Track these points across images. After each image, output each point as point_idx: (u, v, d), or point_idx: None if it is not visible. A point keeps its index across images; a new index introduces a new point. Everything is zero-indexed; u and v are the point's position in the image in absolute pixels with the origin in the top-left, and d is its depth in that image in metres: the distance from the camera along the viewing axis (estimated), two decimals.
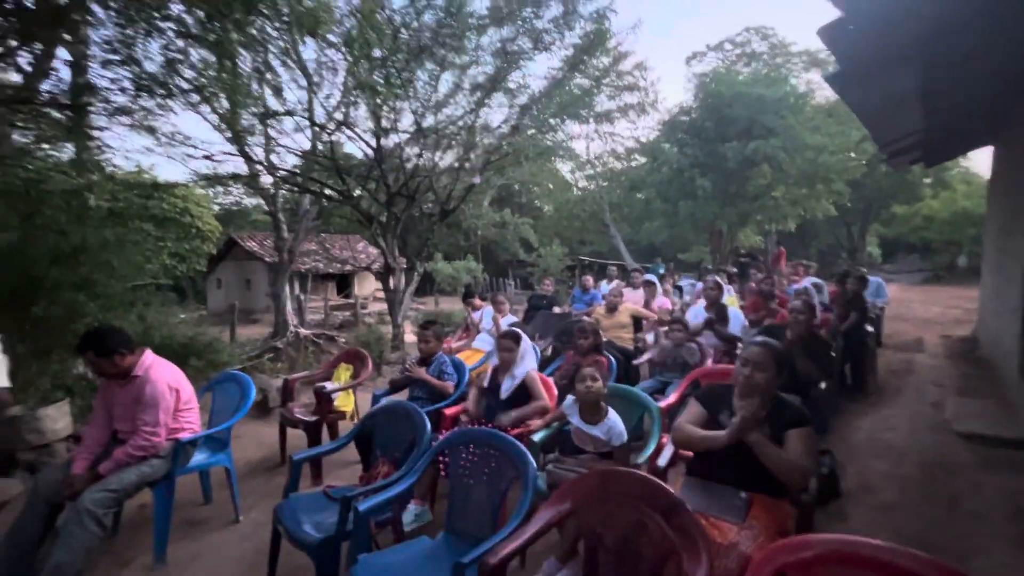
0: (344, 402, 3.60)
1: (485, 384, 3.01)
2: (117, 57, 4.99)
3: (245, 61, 4.73)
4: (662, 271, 11.96)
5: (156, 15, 4.12)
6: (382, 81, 5.85)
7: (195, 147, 7.05)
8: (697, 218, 15.53)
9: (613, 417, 2.43)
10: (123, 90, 4.69)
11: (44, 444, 3.50)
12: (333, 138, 7.13)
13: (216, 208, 23.48)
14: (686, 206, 15.31)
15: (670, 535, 1.46)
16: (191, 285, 21.70)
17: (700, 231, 17.24)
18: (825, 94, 17.59)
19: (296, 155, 8.39)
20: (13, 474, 3.31)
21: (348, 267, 20.34)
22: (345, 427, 3.63)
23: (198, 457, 2.78)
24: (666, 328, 4.75)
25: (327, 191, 7.90)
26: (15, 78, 5.54)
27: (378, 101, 5.75)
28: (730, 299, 5.85)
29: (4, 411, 2.67)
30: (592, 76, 8.39)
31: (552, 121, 7.90)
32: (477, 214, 17.85)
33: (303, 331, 11.71)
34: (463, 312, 7.54)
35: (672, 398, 3.18)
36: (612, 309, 5.05)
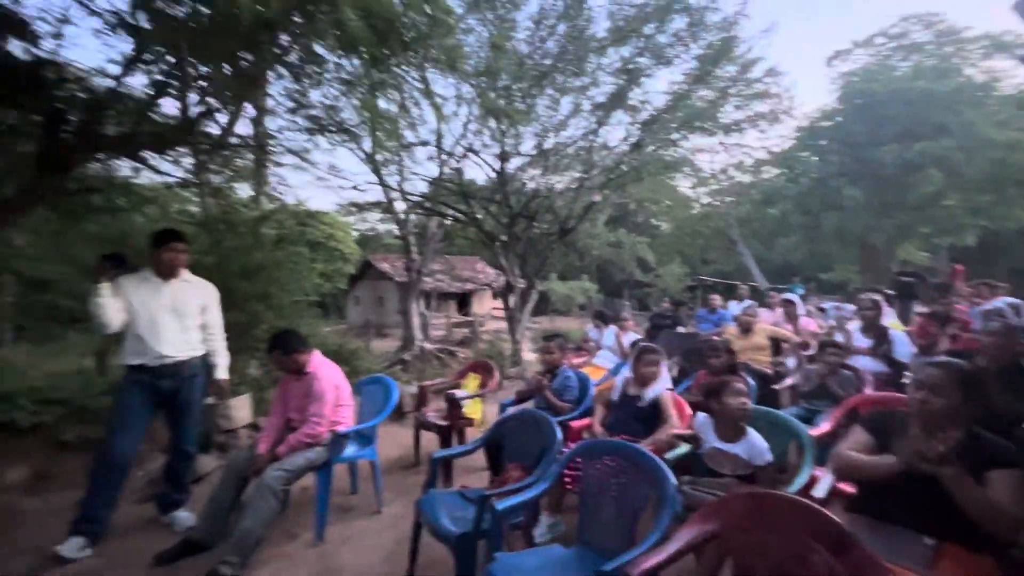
0: (472, 410, 3.79)
1: (615, 397, 2.96)
2: (290, 105, 5.93)
3: (389, 99, 5.37)
4: (801, 292, 10.79)
5: (323, 69, 4.82)
6: (507, 108, 6.18)
7: (345, 179, 8.06)
8: (844, 232, 13.83)
9: (754, 434, 2.23)
10: (297, 132, 5.50)
11: (231, 429, 4.17)
12: (459, 164, 7.68)
13: (355, 234, 26.44)
14: (830, 219, 13.73)
15: (839, 573, 1.30)
16: (333, 302, 24.55)
17: (848, 247, 15.29)
18: (1015, 82, 14.73)
19: (426, 182, 9.17)
20: (209, 452, 4.00)
21: (468, 286, 21.43)
22: (472, 433, 3.81)
23: (349, 450, 3.11)
24: (809, 352, 4.28)
25: (453, 214, 8.48)
26: (211, 128, 6.85)
27: (503, 127, 6.08)
28: (892, 323, 5.09)
29: (223, 399, 3.25)
30: (718, 87, 8.01)
31: (674, 136, 7.67)
32: (592, 233, 17.77)
33: (428, 345, 12.55)
34: (580, 331, 7.50)
35: (825, 427, 2.83)
36: (746, 329, 4.68)
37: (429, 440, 3.88)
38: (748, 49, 7.80)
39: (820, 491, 2.00)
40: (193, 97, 4.15)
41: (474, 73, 5.56)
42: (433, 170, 9.06)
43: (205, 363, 3.05)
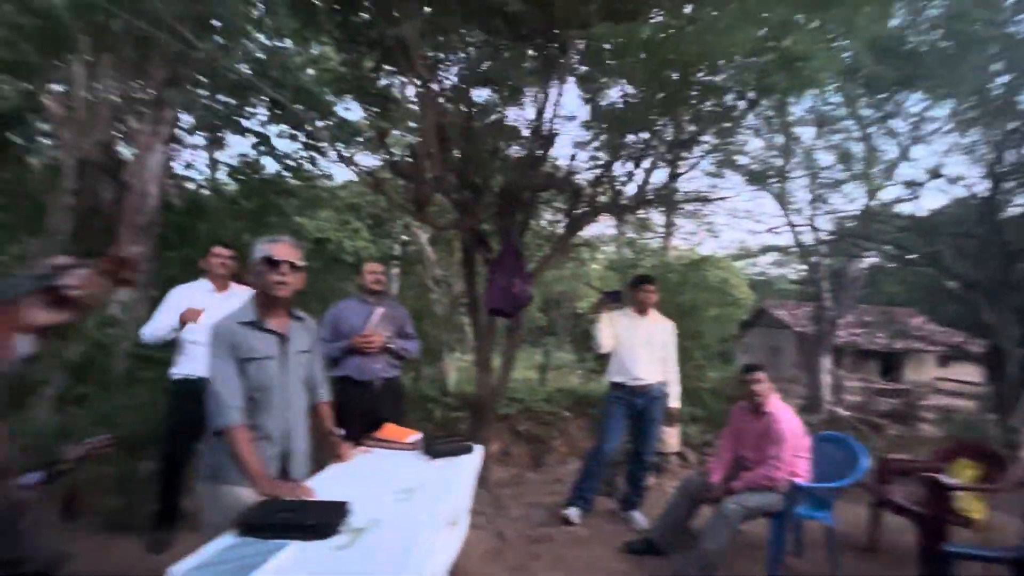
0: (970, 506, 2.90)
1: None
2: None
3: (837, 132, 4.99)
4: None
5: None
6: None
7: (758, 221, 7.92)
8: None
9: None
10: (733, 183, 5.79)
11: (663, 453, 4.63)
12: (915, 194, 6.26)
13: (744, 279, 25.20)
14: None
15: None
16: (720, 347, 24.09)
17: None
18: None
19: (849, 217, 7.91)
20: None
21: (899, 345, 16.97)
22: (966, 535, 2.92)
23: (800, 507, 2.91)
24: None
25: (897, 253, 6.95)
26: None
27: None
28: None
29: (673, 424, 3.78)
30: None
31: None
32: None
33: (840, 411, 10.55)
34: None
35: None
36: None
37: (894, 527, 3.23)
38: None
39: None
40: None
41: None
42: (860, 200, 7.74)
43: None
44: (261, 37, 5.84)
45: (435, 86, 3.69)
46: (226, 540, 1.37)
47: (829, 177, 6.97)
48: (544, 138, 3.97)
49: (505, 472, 4.94)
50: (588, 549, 3.20)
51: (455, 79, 4.03)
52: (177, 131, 6.15)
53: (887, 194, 7.50)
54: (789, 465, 2.74)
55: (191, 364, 2.79)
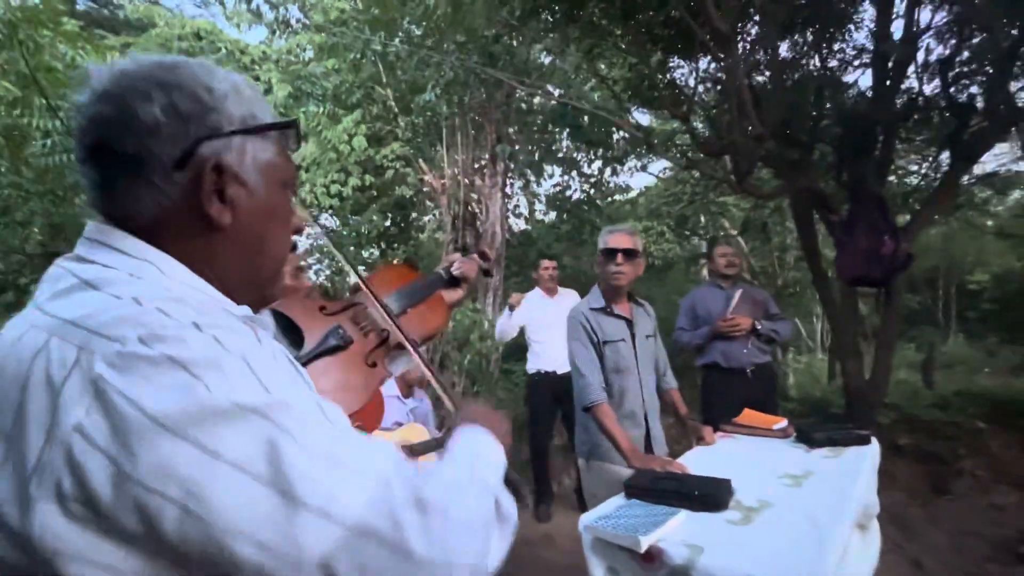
0: None
1: None
2: None
3: None
4: None
5: None
6: None
7: None
8: None
9: None
10: None
11: None
12: None
13: None
14: None
15: None
16: None
17: None
18: None
19: None
20: None
21: None
22: None
23: None
24: None
25: None
26: None
27: None
28: None
29: None
30: None
31: None
32: None
33: None
34: None
35: None
36: None
37: None
38: None
39: None
40: None
41: None
42: None
43: None
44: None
45: (739, 47, 3.33)
46: (619, 500, 1.45)
47: None
48: (893, 57, 3.07)
49: (887, 498, 3.84)
50: None
51: (755, 37, 3.58)
52: (507, 179, 7.48)
53: None
54: None
55: (539, 361, 3.33)
